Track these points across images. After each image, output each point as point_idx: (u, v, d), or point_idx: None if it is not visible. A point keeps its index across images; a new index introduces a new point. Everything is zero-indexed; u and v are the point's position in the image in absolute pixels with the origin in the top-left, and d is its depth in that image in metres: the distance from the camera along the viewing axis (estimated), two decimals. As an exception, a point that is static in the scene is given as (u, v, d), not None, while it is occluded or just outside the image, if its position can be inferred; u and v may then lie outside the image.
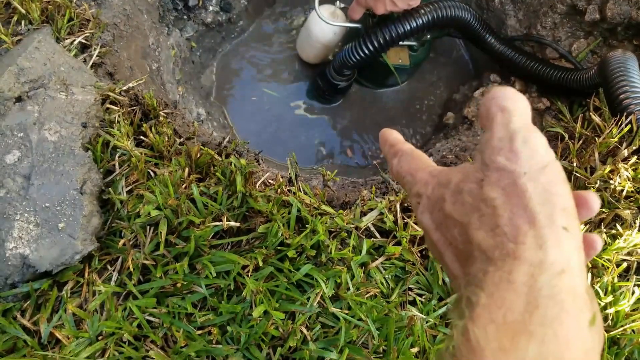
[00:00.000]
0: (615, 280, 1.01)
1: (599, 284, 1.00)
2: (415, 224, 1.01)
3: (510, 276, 0.37)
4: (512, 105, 0.42)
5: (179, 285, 0.88)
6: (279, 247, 0.94)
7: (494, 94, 0.43)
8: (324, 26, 1.78)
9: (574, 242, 0.39)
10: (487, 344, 0.36)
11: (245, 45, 2.10)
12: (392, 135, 0.57)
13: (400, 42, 1.74)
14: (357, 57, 1.68)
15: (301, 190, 1.03)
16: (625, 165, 1.10)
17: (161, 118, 1.07)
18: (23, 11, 1.11)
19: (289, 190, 1.01)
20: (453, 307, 0.40)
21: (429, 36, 1.86)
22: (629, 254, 1.04)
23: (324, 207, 1.00)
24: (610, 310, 0.98)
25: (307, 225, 0.96)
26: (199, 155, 1.01)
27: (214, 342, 0.87)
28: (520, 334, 0.35)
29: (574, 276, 0.37)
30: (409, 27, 1.57)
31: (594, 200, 0.43)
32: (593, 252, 0.44)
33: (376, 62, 1.85)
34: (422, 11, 1.55)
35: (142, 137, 1.04)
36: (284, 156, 1.75)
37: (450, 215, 0.43)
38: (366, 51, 1.65)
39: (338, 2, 1.77)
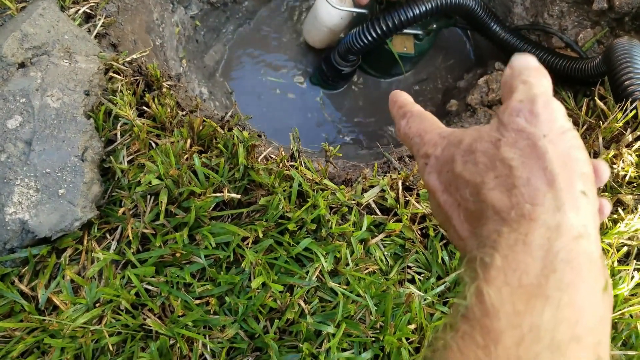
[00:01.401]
0: (615, 264, 1.01)
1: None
2: (417, 202, 1.01)
3: (526, 238, 0.36)
4: (535, 80, 0.42)
5: (178, 255, 0.88)
6: (279, 220, 0.94)
7: (518, 68, 0.43)
8: (331, 10, 1.78)
9: (591, 208, 0.38)
10: (501, 307, 0.35)
11: (251, 29, 2.09)
12: (402, 97, 0.56)
13: (406, 30, 1.74)
14: (363, 42, 1.67)
15: (303, 165, 1.02)
16: (629, 151, 1.10)
17: (164, 89, 1.06)
18: (28, -22, 1.10)
19: (291, 165, 1.01)
20: (465, 267, 0.39)
21: (434, 25, 1.85)
22: (629, 238, 1.04)
23: (325, 182, 0.99)
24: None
25: (308, 200, 0.96)
26: (201, 127, 1.01)
27: (211, 312, 0.87)
28: (535, 298, 0.35)
29: (590, 242, 0.37)
30: (414, 13, 1.56)
31: (604, 169, 0.43)
32: (602, 217, 0.43)
33: (381, 49, 1.85)
34: None
35: (144, 107, 1.03)
36: (286, 141, 1.74)
37: (461, 175, 0.42)
38: (371, 37, 1.65)
39: None
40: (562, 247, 0.36)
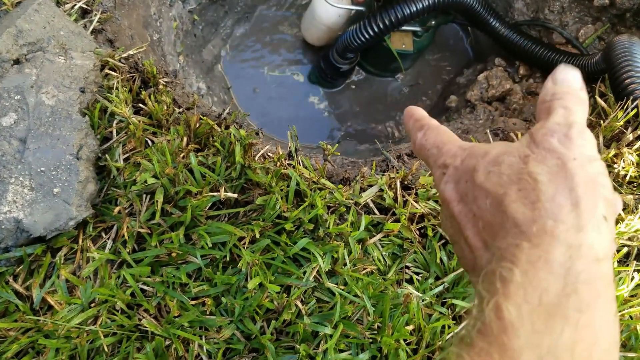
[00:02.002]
0: (615, 265, 1.00)
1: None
2: (416, 201, 1.00)
3: (547, 255, 0.36)
4: (575, 107, 0.42)
5: (174, 254, 0.87)
6: (276, 220, 0.93)
7: (560, 90, 0.44)
8: (329, 8, 1.77)
9: (610, 233, 0.38)
10: (521, 325, 0.34)
11: (251, 25, 2.08)
12: (418, 111, 0.56)
13: (404, 27, 1.73)
14: (361, 40, 1.67)
15: (301, 163, 1.01)
16: (630, 150, 1.09)
17: (161, 86, 1.05)
18: (22, -27, 1.08)
19: (288, 164, 1.00)
20: (482, 280, 0.39)
21: (433, 22, 1.84)
22: (629, 239, 1.03)
23: (323, 181, 0.99)
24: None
25: (305, 199, 0.95)
26: (198, 125, 0.99)
27: (207, 312, 0.86)
28: (555, 318, 0.34)
29: (608, 265, 0.37)
30: (411, 10, 1.56)
31: (618, 201, 0.43)
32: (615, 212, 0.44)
33: (380, 46, 1.84)
34: None
35: (140, 105, 1.02)
36: (284, 135, 1.74)
37: (482, 185, 0.42)
38: (369, 34, 1.64)
39: None
40: (583, 268, 0.36)
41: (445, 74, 2.17)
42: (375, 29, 1.62)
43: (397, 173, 1.04)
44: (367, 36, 1.65)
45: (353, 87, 2.10)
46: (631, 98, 1.14)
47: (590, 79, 1.46)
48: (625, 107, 1.13)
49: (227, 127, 1.02)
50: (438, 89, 2.14)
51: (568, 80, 0.44)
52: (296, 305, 0.87)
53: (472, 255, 0.43)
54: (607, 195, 0.39)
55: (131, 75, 1.06)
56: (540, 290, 0.35)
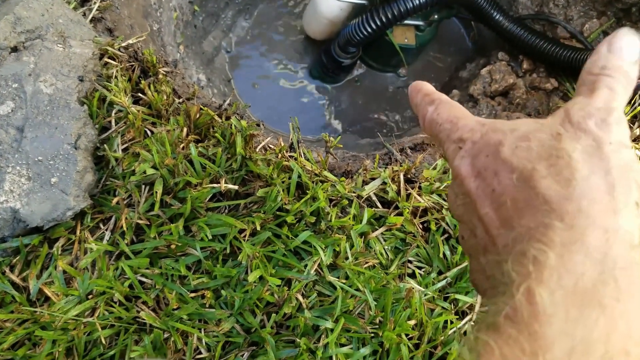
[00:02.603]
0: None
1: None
2: (419, 195, 0.99)
3: (584, 238, 0.34)
4: (620, 89, 0.41)
5: (173, 246, 0.86)
6: (277, 213, 0.91)
7: (611, 65, 0.42)
8: (331, 2, 1.75)
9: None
10: (554, 312, 0.32)
11: (252, 19, 2.06)
12: (426, 86, 0.54)
13: (407, 21, 1.71)
14: (363, 33, 1.65)
15: (303, 155, 1.00)
16: (637, 145, 1.08)
17: (160, 76, 1.03)
18: (21, -41, 1.07)
19: (290, 156, 0.99)
20: (512, 261, 0.36)
21: (436, 16, 1.82)
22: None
23: (325, 173, 0.97)
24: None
25: (307, 192, 0.93)
26: (198, 116, 0.98)
27: (207, 305, 0.85)
28: (590, 306, 0.32)
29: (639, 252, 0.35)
30: (414, 4, 1.54)
31: None
32: None
33: (382, 41, 1.82)
34: None
35: (140, 94, 1.01)
36: (285, 129, 1.73)
37: (508, 160, 0.40)
38: (371, 28, 1.62)
39: None
40: (620, 253, 0.34)
41: (444, 70, 2.15)
42: (378, 23, 1.61)
43: (400, 166, 1.02)
44: (369, 30, 1.64)
45: (356, 82, 2.08)
46: (638, 93, 1.13)
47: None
48: (632, 102, 1.12)
49: (227, 118, 1.01)
50: (436, 86, 2.12)
51: (625, 51, 0.42)
52: (297, 299, 0.86)
53: (486, 235, 0.41)
54: (639, 180, 0.38)
55: (130, 64, 1.04)
56: (576, 276, 0.33)
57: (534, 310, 0.33)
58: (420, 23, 1.79)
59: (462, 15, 1.89)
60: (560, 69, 1.59)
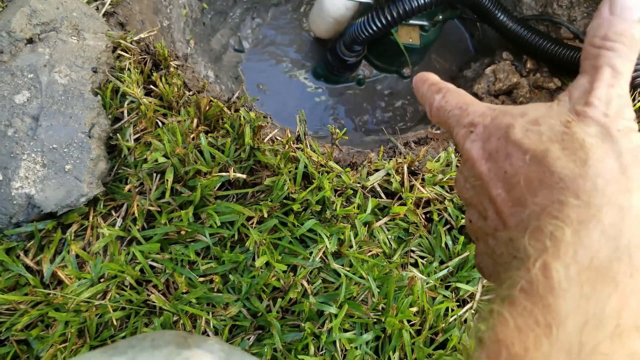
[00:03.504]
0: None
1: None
2: (422, 186, 1.01)
3: (599, 214, 0.35)
4: (623, 65, 0.41)
5: (183, 232, 0.88)
6: (284, 201, 0.94)
7: (614, 32, 0.42)
8: (337, 0, 1.77)
9: None
10: (569, 287, 0.33)
11: (260, 22, 2.09)
12: (432, 76, 0.55)
13: (412, 20, 1.73)
14: (368, 32, 1.66)
15: (309, 146, 1.02)
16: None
17: (171, 69, 1.06)
18: (37, -45, 1.10)
19: (297, 147, 1.01)
20: (529, 237, 0.37)
21: (440, 16, 1.84)
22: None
23: (331, 164, 1.00)
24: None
25: (313, 181, 0.96)
26: (208, 108, 1.01)
27: (215, 290, 0.87)
28: (604, 282, 0.33)
29: None
30: (419, 3, 1.55)
31: None
32: None
33: (387, 40, 1.84)
34: None
35: (152, 86, 1.03)
36: (292, 126, 1.75)
37: (520, 142, 0.41)
38: (376, 26, 1.64)
39: None
40: (634, 232, 0.35)
41: (445, 72, 2.17)
42: (384, 21, 1.63)
43: (405, 159, 1.05)
44: (375, 28, 1.65)
45: (360, 85, 2.11)
46: (637, 91, 1.15)
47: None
48: (632, 99, 1.13)
49: (236, 110, 1.03)
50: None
51: (628, 11, 0.42)
52: (302, 285, 0.89)
53: (497, 215, 0.43)
54: None
55: (142, 57, 1.07)
56: (592, 252, 0.34)
57: (549, 284, 0.34)
58: (425, 23, 1.81)
59: (466, 16, 1.91)
60: (563, 68, 1.61)
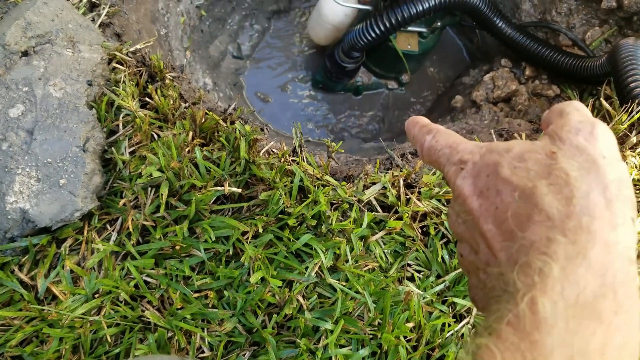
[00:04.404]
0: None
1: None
2: (419, 200, 1.01)
3: (586, 252, 0.35)
4: (586, 110, 0.44)
5: (177, 247, 0.88)
6: (279, 216, 0.93)
7: (565, 104, 0.45)
8: (335, 7, 1.77)
9: (636, 235, 0.38)
10: (555, 323, 0.34)
11: (260, 25, 2.10)
12: (423, 119, 0.57)
13: (410, 27, 1.72)
14: (367, 38, 1.66)
15: (305, 160, 1.02)
16: (634, 153, 1.09)
17: (167, 81, 1.06)
18: (33, -34, 1.09)
19: (292, 160, 1.01)
20: (518, 272, 0.37)
21: (439, 23, 1.83)
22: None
23: (327, 177, 0.99)
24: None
25: (309, 195, 0.95)
26: (203, 120, 1.00)
27: (210, 305, 0.87)
28: (589, 318, 0.34)
29: (636, 268, 0.37)
30: (417, 10, 1.55)
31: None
32: None
33: (385, 47, 1.84)
34: None
35: (147, 98, 1.03)
36: (288, 131, 1.75)
37: (508, 179, 0.42)
38: (375, 33, 1.63)
39: None
40: (620, 267, 0.35)
41: (440, 81, 2.18)
42: (382, 28, 1.62)
43: (401, 171, 1.04)
44: (373, 35, 1.65)
45: (357, 95, 2.11)
46: (636, 101, 1.15)
47: (595, 82, 1.46)
48: (630, 110, 1.13)
49: (232, 123, 1.03)
50: (428, 96, 2.16)
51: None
52: (298, 300, 0.88)
53: (489, 250, 0.43)
54: (633, 198, 0.39)
55: (138, 69, 1.06)
56: (578, 288, 0.34)
57: (536, 320, 0.34)
58: (424, 30, 1.81)
59: (465, 23, 1.90)
60: (561, 75, 1.61)
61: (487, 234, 0.43)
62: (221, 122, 1.01)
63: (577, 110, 0.43)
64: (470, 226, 0.46)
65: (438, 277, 0.97)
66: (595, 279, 0.35)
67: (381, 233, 0.97)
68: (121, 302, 0.86)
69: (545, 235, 0.37)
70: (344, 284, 0.91)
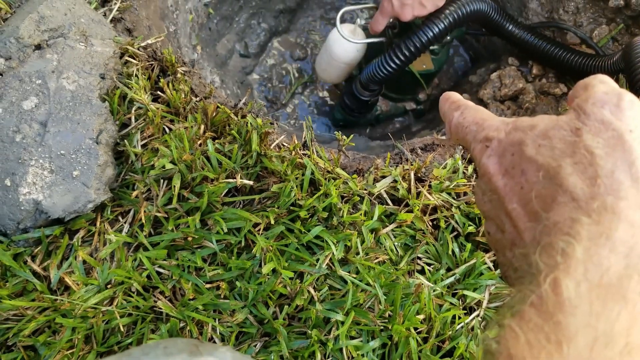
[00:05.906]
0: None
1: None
2: (429, 193, 1.01)
3: (610, 232, 0.35)
4: (612, 82, 0.43)
5: (189, 239, 0.88)
6: (291, 208, 0.94)
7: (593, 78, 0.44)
8: (347, 46, 1.73)
9: None
10: (578, 304, 0.33)
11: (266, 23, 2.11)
12: (454, 95, 0.57)
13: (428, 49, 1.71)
14: (387, 70, 1.60)
15: (316, 153, 1.02)
16: None
17: (179, 75, 1.06)
18: (45, -39, 1.10)
19: (303, 154, 1.01)
20: (541, 253, 0.37)
21: (448, 37, 1.82)
22: None
23: (337, 170, 1.00)
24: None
25: (320, 188, 0.96)
26: (215, 114, 1.01)
27: (222, 296, 0.87)
28: (614, 300, 0.33)
29: None
30: (434, 33, 1.51)
31: None
32: None
33: (401, 72, 1.81)
34: (445, 13, 1.51)
35: (159, 92, 1.04)
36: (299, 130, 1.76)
37: (533, 158, 0.41)
38: (395, 64, 1.59)
39: (358, 20, 1.72)
40: None
41: (445, 81, 2.19)
42: (402, 58, 1.57)
43: (411, 165, 1.05)
44: (393, 66, 1.60)
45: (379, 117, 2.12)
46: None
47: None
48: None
49: (243, 116, 1.04)
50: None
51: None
52: (309, 292, 0.88)
53: (514, 229, 0.43)
54: None
55: (150, 63, 1.07)
56: (602, 269, 0.34)
57: (559, 301, 0.34)
58: (435, 47, 1.78)
59: (472, 31, 1.88)
60: (570, 74, 1.61)
61: (512, 214, 0.43)
62: (232, 115, 1.02)
63: (602, 83, 0.42)
64: (496, 205, 0.45)
65: (448, 270, 0.98)
66: (620, 260, 0.34)
67: (392, 226, 0.98)
68: (133, 292, 0.87)
69: (569, 216, 0.37)
70: (355, 276, 0.91)
